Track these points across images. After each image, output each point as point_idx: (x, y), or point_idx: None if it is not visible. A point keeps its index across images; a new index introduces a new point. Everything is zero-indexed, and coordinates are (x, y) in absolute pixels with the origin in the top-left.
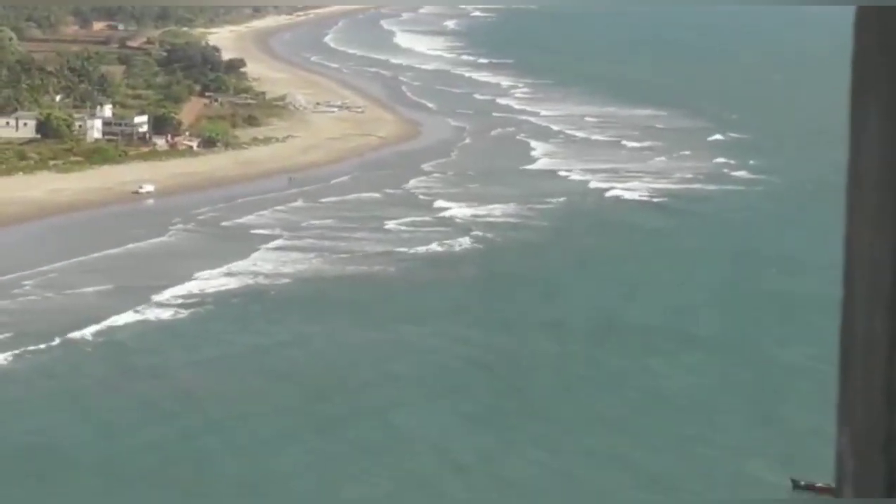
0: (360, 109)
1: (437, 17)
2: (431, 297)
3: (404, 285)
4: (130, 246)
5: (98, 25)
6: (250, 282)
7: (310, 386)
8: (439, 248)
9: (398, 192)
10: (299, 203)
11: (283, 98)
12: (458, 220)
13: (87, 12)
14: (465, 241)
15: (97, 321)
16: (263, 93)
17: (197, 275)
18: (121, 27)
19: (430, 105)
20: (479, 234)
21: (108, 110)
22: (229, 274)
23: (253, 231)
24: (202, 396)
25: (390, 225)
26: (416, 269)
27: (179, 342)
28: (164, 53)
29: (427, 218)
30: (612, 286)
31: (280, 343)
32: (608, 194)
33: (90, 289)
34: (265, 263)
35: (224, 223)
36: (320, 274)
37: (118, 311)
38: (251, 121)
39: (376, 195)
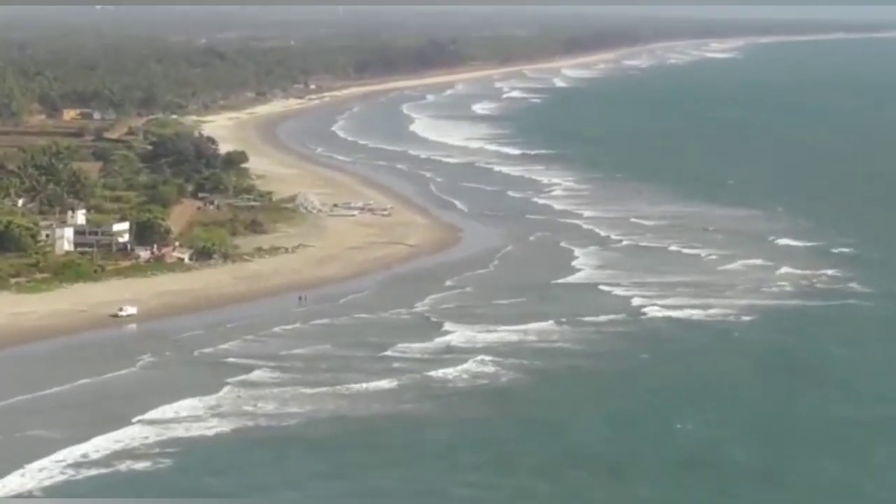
0: (385, 212)
1: (466, 100)
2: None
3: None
4: (83, 381)
5: (69, 114)
6: (182, 434)
7: None
8: (446, 381)
9: (410, 314)
10: (297, 325)
11: (292, 199)
12: (463, 346)
13: (56, 99)
14: (469, 372)
15: None
16: (269, 193)
17: (139, 418)
18: (96, 115)
19: (460, 205)
20: (489, 368)
21: (81, 216)
22: (172, 421)
23: (229, 360)
24: None
25: (390, 353)
26: (403, 414)
27: None
28: (149, 146)
29: (427, 344)
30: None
31: None
32: (654, 315)
33: (18, 434)
34: (224, 401)
35: (204, 350)
36: (278, 421)
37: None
38: (255, 227)
39: (389, 315)
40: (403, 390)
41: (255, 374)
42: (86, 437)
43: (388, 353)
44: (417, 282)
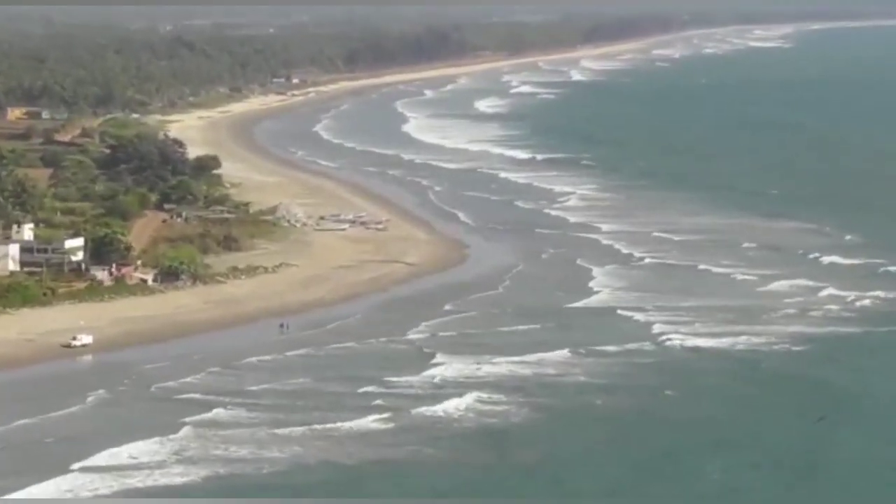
0: (379, 226)
1: (469, 96)
2: None
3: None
4: (23, 422)
5: (14, 113)
6: (139, 484)
7: None
8: (436, 420)
9: (403, 343)
10: (273, 356)
11: (273, 210)
12: (455, 381)
13: None
14: (464, 410)
15: None
16: (246, 203)
17: (81, 464)
18: (45, 115)
19: (463, 217)
20: (485, 406)
21: (27, 231)
22: (127, 467)
23: (192, 396)
24: None
25: (372, 388)
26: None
27: None
28: (107, 150)
29: (413, 378)
30: None
31: None
32: (680, 344)
33: None
34: (188, 445)
35: (165, 384)
36: (243, 468)
37: None
38: (229, 243)
39: (378, 343)
40: (383, 433)
41: (220, 413)
42: (19, 487)
43: (370, 388)
44: (417, 306)
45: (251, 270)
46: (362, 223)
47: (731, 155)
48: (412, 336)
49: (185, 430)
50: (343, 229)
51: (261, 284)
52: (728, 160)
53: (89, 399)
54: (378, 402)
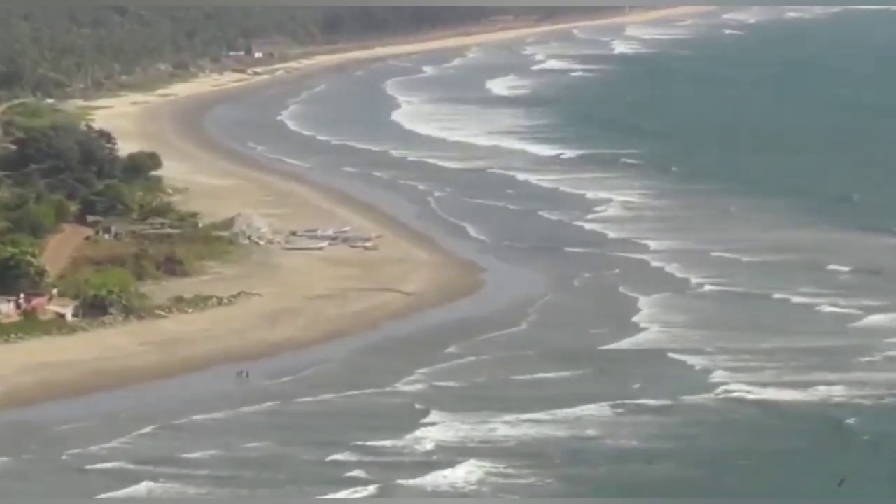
0: (368, 243)
1: (480, 73)
2: None
3: None
4: None
5: None
6: None
7: None
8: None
9: (392, 394)
10: (222, 413)
11: (229, 224)
12: (449, 446)
13: None
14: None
15: None
16: (194, 214)
17: None
18: None
19: (473, 232)
20: (491, 479)
21: None
22: None
23: (111, 465)
24: None
25: (342, 456)
26: None
27: None
28: (12, 146)
29: (397, 442)
30: None
31: None
32: (747, 398)
33: None
34: None
35: (78, 450)
36: None
37: None
38: (172, 267)
39: (367, 396)
40: None
41: (150, 487)
42: None
43: (340, 456)
44: (416, 348)
45: (201, 302)
46: (345, 240)
47: (817, 150)
48: (402, 387)
49: None
50: (320, 248)
51: (213, 320)
52: (814, 157)
53: None
54: (346, 474)
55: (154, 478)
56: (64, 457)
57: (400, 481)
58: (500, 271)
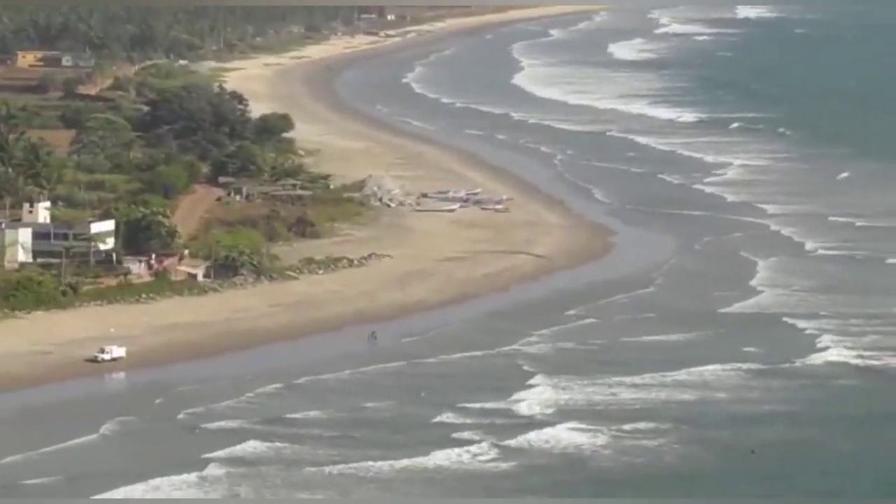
0: (500, 206)
1: (605, 36)
2: None
3: None
4: (10, 459)
5: (27, 58)
6: None
7: None
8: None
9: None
10: (346, 374)
11: (360, 186)
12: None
13: (7, 38)
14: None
15: None
16: (326, 177)
17: None
18: (66, 61)
19: (599, 195)
20: (587, 439)
21: (42, 212)
22: None
23: (213, 425)
24: None
25: (444, 418)
26: None
27: None
28: (145, 107)
29: (500, 405)
30: None
31: None
32: (859, 364)
33: None
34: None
35: (196, 410)
36: None
37: None
38: (303, 228)
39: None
40: (442, 473)
41: (250, 446)
42: None
43: (442, 418)
44: (548, 310)
45: (331, 263)
46: (477, 202)
47: None
48: (520, 347)
49: (210, 468)
50: (452, 210)
51: (344, 282)
52: None
53: (104, 428)
54: (451, 435)
55: (262, 437)
56: (181, 416)
57: (508, 441)
58: (627, 235)
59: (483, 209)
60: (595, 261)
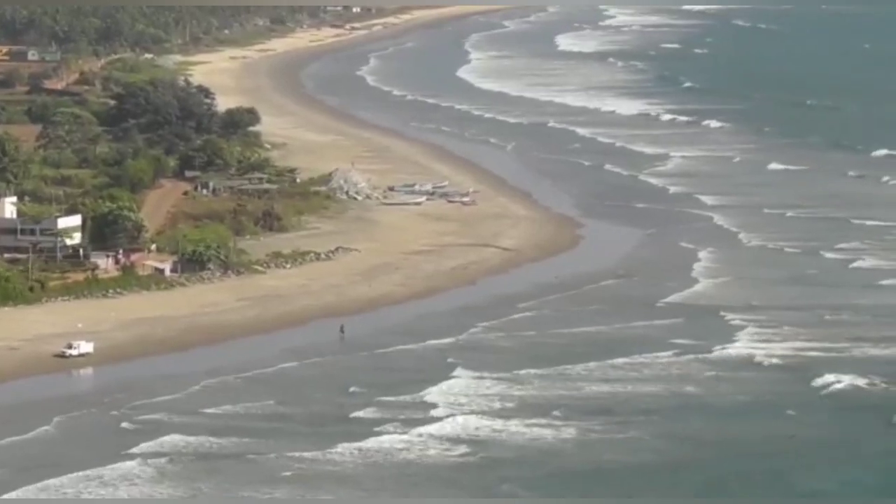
0: (466, 198)
1: (556, 27)
2: None
3: None
4: None
5: None
6: None
7: None
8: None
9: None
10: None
11: (327, 179)
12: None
13: None
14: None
15: None
16: (292, 170)
17: None
18: (32, 54)
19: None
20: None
21: (9, 207)
22: None
23: (143, 418)
24: None
25: (363, 413)
26: None
27: None
28: (112, 101)
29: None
30: None
31: None
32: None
33: None
34: None
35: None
36: None
37: None
38: (270, 222)
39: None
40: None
41: (171, 439)
42: None
43: (361, 413)
44: (516, 303)
45: (298, 257)
46: (443, 195)
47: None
48: (459, 338)
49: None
50: (418, 203)
51: (311, 275)
52: None
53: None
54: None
55: (184, 430)
56: (114, 412)
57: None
58: (598, 228)
59: (450, 202)
60: (570, 251)
